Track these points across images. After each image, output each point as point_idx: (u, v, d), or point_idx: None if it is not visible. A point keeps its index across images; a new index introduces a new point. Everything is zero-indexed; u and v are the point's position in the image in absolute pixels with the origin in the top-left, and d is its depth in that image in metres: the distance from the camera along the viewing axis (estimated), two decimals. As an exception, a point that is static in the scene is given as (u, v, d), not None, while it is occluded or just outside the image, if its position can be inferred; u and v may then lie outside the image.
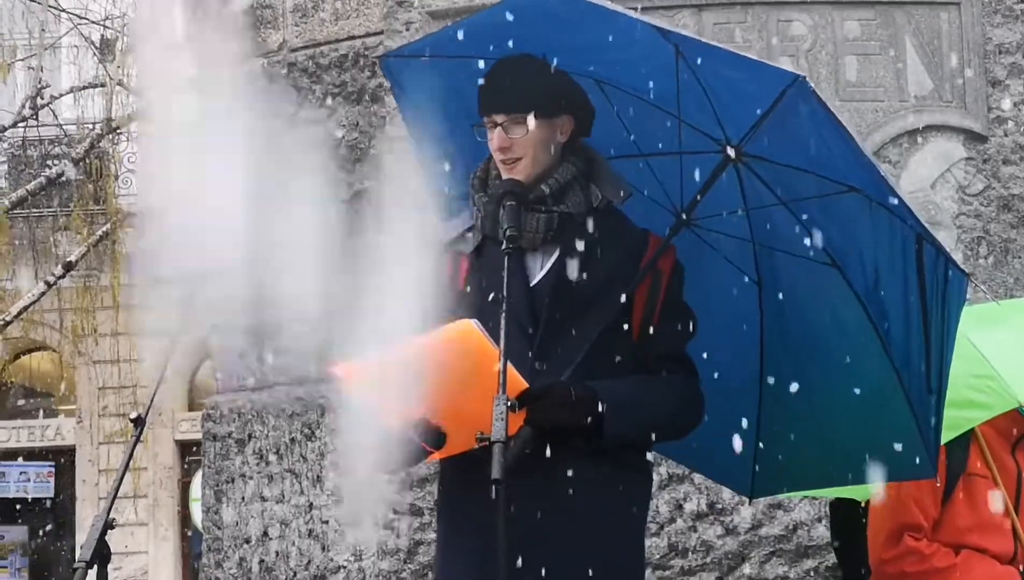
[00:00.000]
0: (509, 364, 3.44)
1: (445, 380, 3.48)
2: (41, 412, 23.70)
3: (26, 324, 19.26)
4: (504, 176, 3.78)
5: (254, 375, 6.34)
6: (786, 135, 3.71)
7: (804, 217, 3.84)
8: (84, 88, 19.08)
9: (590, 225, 3.77)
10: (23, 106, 18.95)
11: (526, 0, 3.76)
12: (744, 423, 4.07)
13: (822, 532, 5.46)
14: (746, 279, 4.02)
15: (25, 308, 17.65)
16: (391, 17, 5.98)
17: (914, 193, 5.71)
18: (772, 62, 3.79)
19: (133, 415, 3.75)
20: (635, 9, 3.79)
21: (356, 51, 6.25)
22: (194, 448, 21.48)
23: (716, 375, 3.96)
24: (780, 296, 3.99)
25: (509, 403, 3.34)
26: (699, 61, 3.68)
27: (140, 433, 3.75)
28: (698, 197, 3.87)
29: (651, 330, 3.75)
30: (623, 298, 3.72)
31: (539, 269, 3.77)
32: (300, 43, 6.44)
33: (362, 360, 3.57)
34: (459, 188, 4.08)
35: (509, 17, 3.79)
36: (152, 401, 4.02)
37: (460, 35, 3.95)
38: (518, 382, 3.49)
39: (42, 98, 18.81)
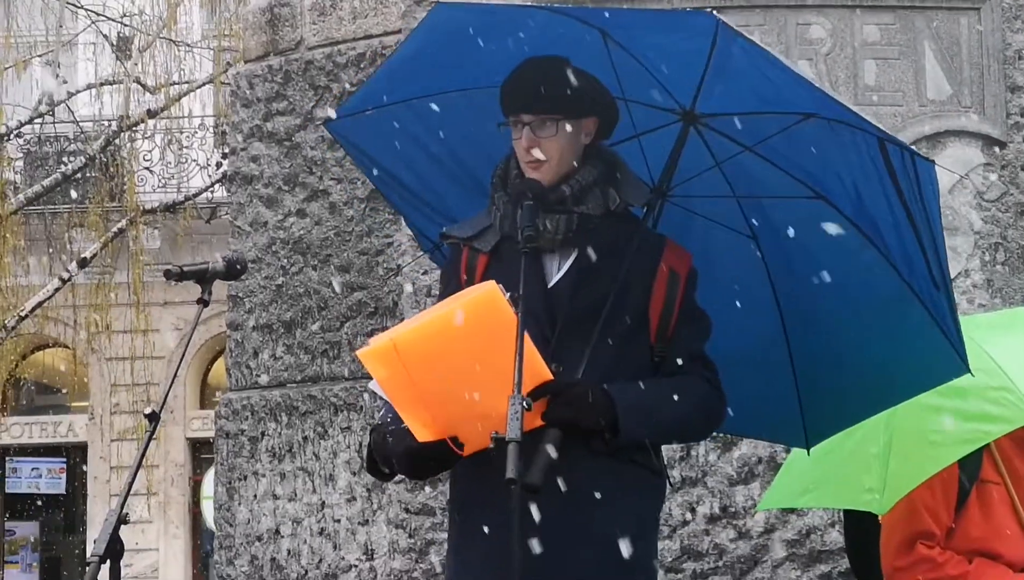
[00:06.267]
0: (536, 352, 3.44)
1: (464, 346, 3.46)
2: (53, 409, 23.75)
3: (40, 320, 19.28)
4: (528, 176, 3.77)
5: (267, 373, 6.34)
6: (730, 82, 3.73)
7: (775, 156, 3.85)
8: (101, 85, 19.11)
9: (608, 227, 3.76)
10: (39, 103, 19.00)
11: (439, 23, 3.77)
12: (781, 377, 4.08)
13: (835, 537, 5.43)
14: (741, 235, 4.03)
15: (39, 304, 17.68)
16: (409, 16, 5.98)
17: (931, 198, 5.69)
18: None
19: (148, 411, 3.76)
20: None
21: (374, 50, 6.24)
22: (206, 446, 21.52)
23: (740, 340, 3.99)
24: (777, 242, 4.00)
25: (524, 403, 3.34)
26: (627, 37, 3.69)
27: (154, 429, 3.76)
28: (670, 167, 3.88)
29: (669, 333, 3.74)
30: (640, 300, 3.71)
31: (556, 270, 3.76)
32: (317, 41, 6.43)
33: (382, 338, 3.55)
34: (438, 228, 4.11)
35: (427, 42, 3.81)
36: (167, 397, 4.03)
37: (388, 77, 4.00)
38: (542, 372, 3.48)
39: (59, 95, 18.85)
